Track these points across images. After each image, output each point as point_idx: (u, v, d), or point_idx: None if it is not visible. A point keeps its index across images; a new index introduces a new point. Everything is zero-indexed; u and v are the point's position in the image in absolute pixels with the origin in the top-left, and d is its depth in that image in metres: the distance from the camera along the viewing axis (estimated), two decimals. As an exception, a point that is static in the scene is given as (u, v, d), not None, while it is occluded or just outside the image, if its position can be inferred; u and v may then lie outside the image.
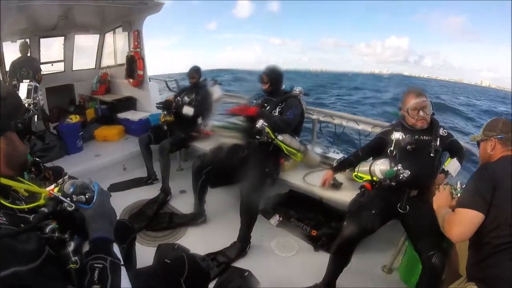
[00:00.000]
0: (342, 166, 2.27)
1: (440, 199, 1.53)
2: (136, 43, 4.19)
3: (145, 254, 2.18)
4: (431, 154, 1.82)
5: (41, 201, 0.83)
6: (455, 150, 1.98)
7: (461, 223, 1.28)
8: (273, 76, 2.50)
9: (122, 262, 0.88)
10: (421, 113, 1.83)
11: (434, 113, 1.89)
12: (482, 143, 1.46)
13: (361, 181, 2.13)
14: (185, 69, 3.36)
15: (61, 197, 0.83)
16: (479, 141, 1.48)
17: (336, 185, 2.35)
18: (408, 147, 1.85)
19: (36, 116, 0.91)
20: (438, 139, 1.86)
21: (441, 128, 1.92)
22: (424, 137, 1.88)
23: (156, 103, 3.24)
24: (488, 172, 1.30)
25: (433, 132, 1.89)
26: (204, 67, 3.44)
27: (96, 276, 0.76)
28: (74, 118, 3.60)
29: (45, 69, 4.41)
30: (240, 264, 2.24)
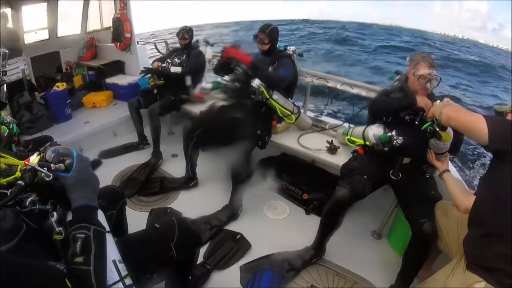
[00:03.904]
0: None
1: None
2: (122, 5, 3.95)
3: (138, 219, 2.18)
4: (415, 122, 1.74)
5: (17, 174, 0.78)
6: None
7: (465, 113, 1.19)
8: (274, 36, 2.38)
9: (107, 229, 0.87)
10: (428, 84, 1.76)
11: None
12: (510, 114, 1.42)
13: (353, 145, 2.10)
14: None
15: (37, 167, 0.78)
16: (506, 112, 1.44)
17: (332, 149, 2.32)
18: (407, 117, 1.78)
19: (4, 85, 0.82)
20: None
21: (437, 101, 1.86)
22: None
23: (141, 69, 3.10)
24: None
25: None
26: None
27: (78, 248, 0.74)
28: (61, 86, 3.45)
29: (29, 38, 4.19)
30: (232, 227, 2.26)
